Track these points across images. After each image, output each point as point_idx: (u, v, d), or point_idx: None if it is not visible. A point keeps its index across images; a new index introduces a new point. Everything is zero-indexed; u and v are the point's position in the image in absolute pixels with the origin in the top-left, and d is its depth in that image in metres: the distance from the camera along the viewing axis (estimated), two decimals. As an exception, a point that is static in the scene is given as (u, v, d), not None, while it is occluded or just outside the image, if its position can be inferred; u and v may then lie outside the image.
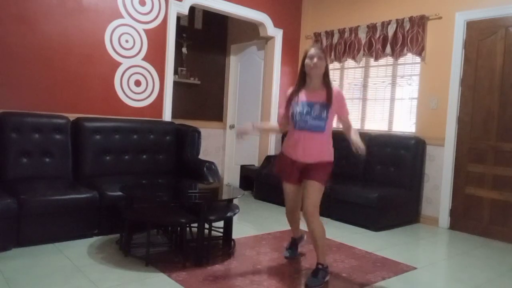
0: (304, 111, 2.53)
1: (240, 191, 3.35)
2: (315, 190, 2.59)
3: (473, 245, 3.77)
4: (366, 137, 4.80)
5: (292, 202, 2.85)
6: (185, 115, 5.76)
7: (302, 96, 2.58)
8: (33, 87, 3.65)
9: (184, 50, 5.85)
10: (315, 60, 2.50)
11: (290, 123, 2.68)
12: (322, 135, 2.59)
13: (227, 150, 6.46)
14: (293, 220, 2.98)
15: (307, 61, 2.54)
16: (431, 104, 4.47)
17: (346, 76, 5.41)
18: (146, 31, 4.30)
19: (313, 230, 2.60)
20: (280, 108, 2.85)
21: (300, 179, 2.70)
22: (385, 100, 4.96)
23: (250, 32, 5.85)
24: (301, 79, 2.63)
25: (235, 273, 2.74)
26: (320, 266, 2.62)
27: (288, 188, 2.80)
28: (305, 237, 3.17)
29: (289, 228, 3.13)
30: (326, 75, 2.58)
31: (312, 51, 2.54)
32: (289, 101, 2.65)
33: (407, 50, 4.57)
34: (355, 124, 5.23)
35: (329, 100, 2.54)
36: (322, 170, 2.62)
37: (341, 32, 5.22)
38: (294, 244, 3.10)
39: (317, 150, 2.61)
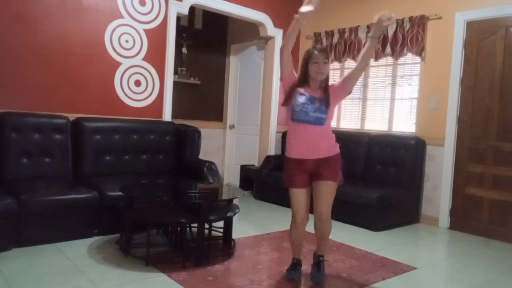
0: (305, 103, 2.46)
1: (240, 191, 3.35)
2: (330, 191, 2.53)
3: (473, 245, 3.77)
4: (366, 137, 4.82)
5: (304, 210, 2.56)
6: (185, 115, 5.76)
7: (303, 91, 2.51)
8: (33, 87, 3.65)
9: (184, 50, 5.85)
10: (321, 65, 2.45)
11: (288, 116, 2.56)
12: (322, 129, 2.51)
13: (227, 150, 6.46)
14: (300, 235, 2.64)
15: (312, 66, 2.47)
16: (431, 104, 4.47)
17: (346, 76, 5.41)
18: (146, 31, 4.30)
19: (325, 228, 2.59)
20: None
21: (310, 182, 2.56)
22: (385, 100, 4.96)
23: (250, 32, 5.85)
24: (303, 79, 2.53)
25: (235, 273, 2.74)
26: (321, 258, 2.67)
27: (299, 194, 2.55)
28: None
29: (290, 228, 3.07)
30: (327, 78, 2.53)
31: (317, 54, 2.47)
32: (292, 88, 2.53)
33: (407, 50, 4.57)
34: (355, 124, 5.23)
35: (326, 94, 2.49)
36: (334, 166, 2.55)
37: (341, 32, 5.22)
38: (299, 266, 2.73)
39: (322, 143, 2.53)
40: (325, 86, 2.53)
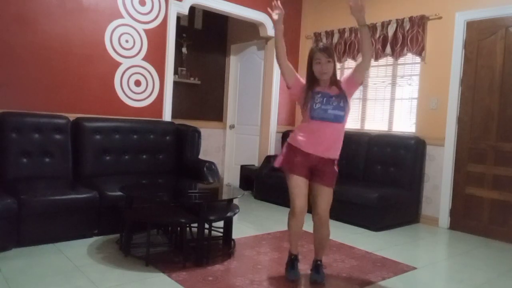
0: (324, 101, 2.46)
1: (240, 191, 3.35)
2: (330, 194, 2.56)
3: (473, 245, 3.77)
4: (366, 137, 4.82)
5: (303, 198, 2.51)
6: (185, 115, 5.77)
7: (318, 89, 2.51)
8: (33, 87, 3.65)
9: (184, 50, 5.85)
10: (324, 65, 2.45)
11: (306, 115, 2.55)
12: (341, 126, 2.52)
13: (227, 150, 6.46)
14: (300, 225, 2.58)
15: (316, 67, 2.47)
16: (431, 104, 4.47)
17: (346, 76, 5.41)
18: (146, 31, 4.30)
19: (325, 233, 2.62)
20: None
21: (309, 174, 2.56)
22: (385, 100, 4.96)
23: (250, 32, 5.85)
24: (312, 80, 2.52)
25: (235, 273, 2.74)
26: (319, 262, 2.68)
27: (299, 181, 2.51)
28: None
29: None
30: (334, 74, 2.53)
31: (318, 54, 2.47)
32: (305, 91, 2.53)
33: (407, 50, 4.57)
34: (355, 124, 5.23)
35: (341, 90, 2.50)
36: (333, 171, 2.57)
37: (341, 32, 5.22)
38: (296, 261, 2.70)
39: (336, 143, 2.54)
40: (336, 82, 2.52)
